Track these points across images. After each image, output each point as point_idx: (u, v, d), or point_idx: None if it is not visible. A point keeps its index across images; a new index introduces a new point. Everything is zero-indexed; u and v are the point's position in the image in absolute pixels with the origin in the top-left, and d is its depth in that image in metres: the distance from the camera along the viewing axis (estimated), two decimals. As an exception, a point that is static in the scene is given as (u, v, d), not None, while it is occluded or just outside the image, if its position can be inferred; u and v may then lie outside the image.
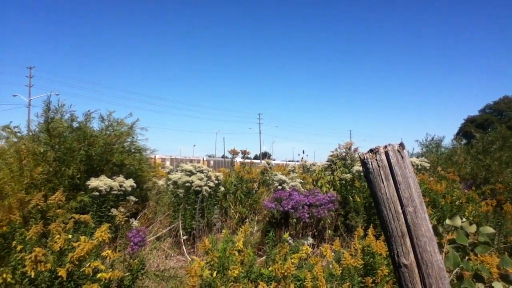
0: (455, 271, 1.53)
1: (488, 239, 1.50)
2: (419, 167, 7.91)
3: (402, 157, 1.53)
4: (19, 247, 2.83)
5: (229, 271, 3.10)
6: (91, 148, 5.44)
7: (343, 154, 7.31)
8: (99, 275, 2.72)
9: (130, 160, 6.02)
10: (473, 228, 1.53)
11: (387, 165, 1.52)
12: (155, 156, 18.58)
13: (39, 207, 3.49)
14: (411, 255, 1.46)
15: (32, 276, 2.58)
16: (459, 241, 1.50)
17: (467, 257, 1.55)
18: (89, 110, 5.89)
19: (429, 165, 8.23)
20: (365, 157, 1.55)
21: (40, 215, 3.51)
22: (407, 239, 1.46)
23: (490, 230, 1.51)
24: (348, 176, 6.68)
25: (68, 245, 2.84)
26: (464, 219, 1.55)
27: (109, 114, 6.12)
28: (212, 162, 26.85)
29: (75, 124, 5.66)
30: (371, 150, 1.56)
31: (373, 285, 3.28)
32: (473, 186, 7.88)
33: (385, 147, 1.55)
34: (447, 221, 1.57)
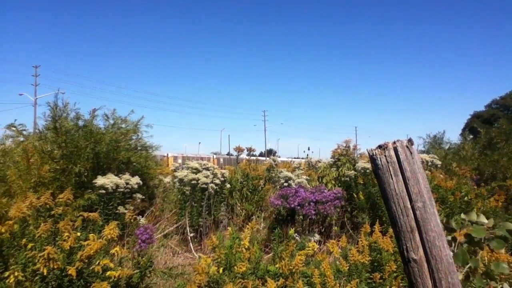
0: (465, 269, 1.52)
1: (508, 234, 1.50)
2: (429, 163, 7.84)
3: (411, 152, 1.53)
4: (29, 245, 2.85)
5: (235, 267, 3.11)
6: (97, 146, 5.48)
7: (344, 152, 7.30)
8: (108, 273, 2.74)
9: (136, 157, 6.05)
10: (490, 222, 1.53)
11: (396, 161, 1.52)
12: (167, 154, 18.91)
13: (47, 205, 3.52)
14: (420, 250, 1.45)
15: (45, 274, 2.61)
16: (476, 235, 1.50)
17: (480, 252, 1.54)
18: (95, 108, 5.94)
19: (440, 162, 8.14)
20: (374, 153, 1.55)
21: (48, 213, 3.55)
22: (416, 234, 1.46)
23: (511, 226, 1.50)
24: (352, 172, 6.67)
25: (77, 243, 2.87)
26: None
27: (112, 112, 6.14)
28: (222, 160, 26.96)
29: (81, 123, 5.71)
30: (379, 146, 1.56)
31: (381, 281, 3.28)
32: (481, 182, 7.82)
33: (394, 143, 1.54)
34: (462, 215, 1.57)
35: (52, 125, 5.36)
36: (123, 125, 6.13)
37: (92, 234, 2.90)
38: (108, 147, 5.63)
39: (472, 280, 1.57)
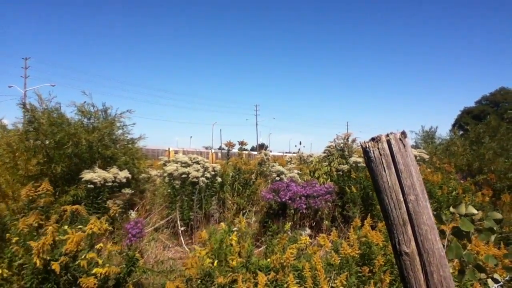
0: (455, 262, 1.52)
1: (495, 225, 1.49)
2: (417, 158, 7.91)
3: (404, 145, 1.51)
4: (14, 239, 2.79)
5: (226, 261, 3.09)
6: (79, 144, 5.33)
7: (341, 145, 7.29)
8: (94, 270, 2.68)
9: (123, 150, 5.94)
10: (478, 215, 1.52)
11: (389, 154, 1.50)
12: (169, 149, 19.17)
13: (31, 197, 3.46)
14: (413, 243, 1.44)
15: (41, 268, 2.55)
16: (464, 228, 1.49)
17: (469, 245, 1.53)
18: (83, 103, 5.79)
19: (428, 156, 8.23)
20: (367, 146, 1.52)
21: (30, 207, 3.49)
22: (409, 227, 1.45)
23: (498, 216, 1.50)
24: (346, 167, 6.67)
25: (57, 236, 2.79)
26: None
27: (82, 105, 5.84)
28: (220, 154, 27.09)
29: (59, 121, 5.49)
30: (373, 139, 1.53)
31: (370, 274, 3.29)
32: (468, 177, 7.90)
33: (387, 135, 1.52)
34: (451, 209, 1.56)
35: (31, 126, 5.19)
36: (97, 116, 5.90)
37: (68, 227, 2.84)
38: (89, 143, 5.46)
39: (464, 273, 1.56)
